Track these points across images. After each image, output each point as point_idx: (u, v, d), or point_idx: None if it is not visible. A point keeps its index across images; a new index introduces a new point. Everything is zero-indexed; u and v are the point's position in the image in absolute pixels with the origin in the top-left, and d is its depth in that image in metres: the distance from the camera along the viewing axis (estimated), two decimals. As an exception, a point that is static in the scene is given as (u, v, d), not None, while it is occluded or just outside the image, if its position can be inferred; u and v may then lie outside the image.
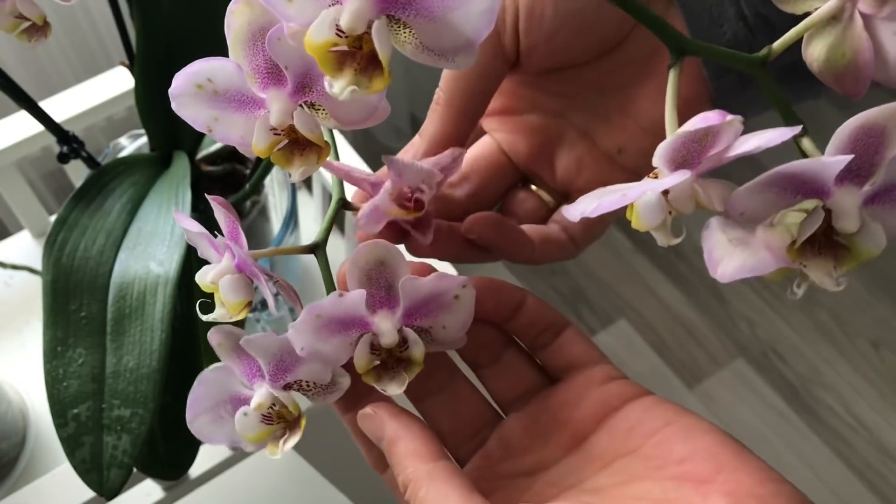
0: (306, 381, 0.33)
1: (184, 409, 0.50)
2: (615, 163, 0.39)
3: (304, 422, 0.33)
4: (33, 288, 0.77)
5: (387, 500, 0.93)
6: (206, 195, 0.32)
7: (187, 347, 0.49)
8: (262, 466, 0.96)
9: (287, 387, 0.33)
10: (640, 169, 0.39)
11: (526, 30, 0.36)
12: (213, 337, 0.33)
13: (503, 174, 0.42)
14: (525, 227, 0.38)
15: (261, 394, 0.32)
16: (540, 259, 0.38)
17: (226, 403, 0.34)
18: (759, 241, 0.25)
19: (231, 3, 0.27)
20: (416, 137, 0.38)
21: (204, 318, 0.32)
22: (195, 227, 0.32)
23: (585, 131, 0.40)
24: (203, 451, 0.52)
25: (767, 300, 1.54)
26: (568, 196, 0.41)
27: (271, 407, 0.32)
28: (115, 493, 0.45)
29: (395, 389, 0.32)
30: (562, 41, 0.36)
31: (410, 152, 0.38)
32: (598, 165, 0.40)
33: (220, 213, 0.32)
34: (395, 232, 0.35)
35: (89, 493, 0.52)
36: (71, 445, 0.44)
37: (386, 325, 0.32)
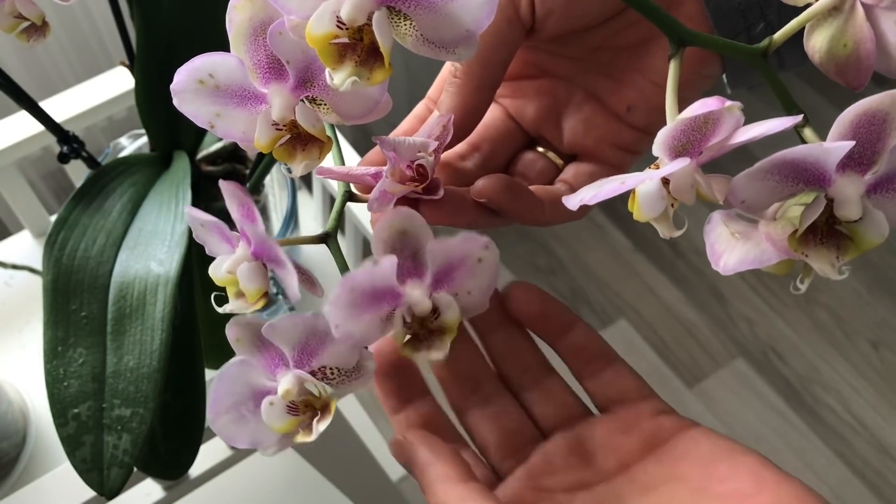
0: (331, 368, 0.32)
1: (184, 408, 0.50)
2: (623, 122, 0.39)
3: (333, 405, 0.32)
4: (33, 288, 0.77)
5: (387, 501, 0.93)
6: (220, 181, 0.32)
7: (188, 347, 0.49)
8: (263, 466, 0.96)
9: (311, 374, 0.32)
10: (649, 126, 0.39)
11: None
12: (230, 332, 0.32)
13: (512, 140, 0.42)
14: (533, 188, 0.38)
15: (287, 380, 0.31)
16: (550, 220, 0.38)
17: (247, 400, 0.33)
18: (762, 234, 0.25)
19: (232, -2, 0.27)
20: (434, 115, 0.37)
21: (220, 310, 0.32)
22: (207, 217, 0.31)
23: (593, 92, 0.40)
24: (203, 450, 0.52)
25: (767, 300, 1.54)
26: (576, 157, 0.41)
27: (297, 395, 0.32)
28: (115, 493, 0.45)
29: (438, 355, 0.32)
30: (578, 5, 0.36)
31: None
32: (607, 125, 0.40)
33: (234, 199, 0.31)
34: (406, 205, 0.35)
35: (89, 493, 0.52)
36: (71, 445, 0.44)
37: (417, 294, 0.31)
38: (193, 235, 0.34)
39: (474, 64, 0.36)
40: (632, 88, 0.39)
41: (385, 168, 0.32)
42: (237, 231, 0.32)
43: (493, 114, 0.41)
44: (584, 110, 0.40)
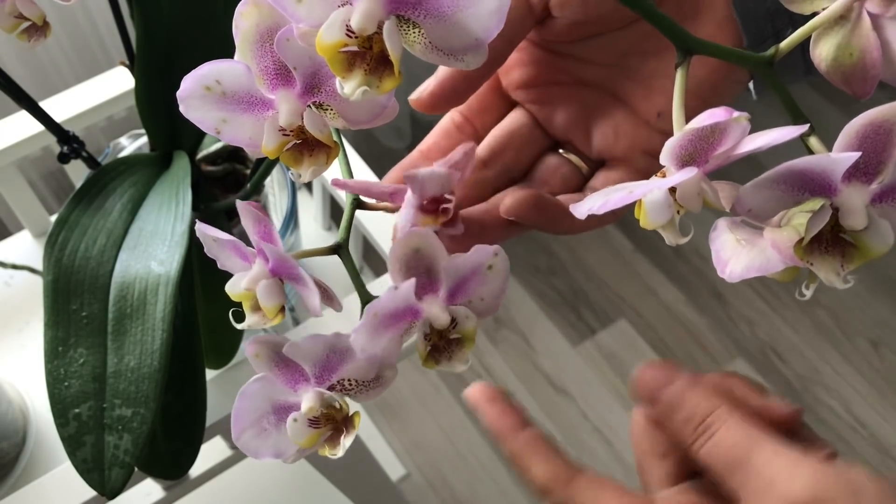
0: (349, 380, 0.33)
1: (184, 408, 0.50)
2: (654, 128, 0.39)
3: (358, 418, 0.33)
4: (34, 288, 0.77)
5: (387, 501, 0.93)
6: (237, 202, 0.32)
7: (188, 347, 0.49)
8: (263, 466, 0.96)
9: (330, 388, 0.33)
10: None
11: None
12: (249, 348, 0.33)
13: (535, 147, 0.41)
14: (561, 198, 0.38)
15: (309, 397, 0.32)
16: (579, 229, 0.37)
17: (269, 414, 0.33)
18: (767, 241, 0.25)
19: (240, 4, 0.27)
20: (432, 79, 0.37)
21: (238, 326, 0.32)
22: (221, 234, 0.32)
23: (622, 98, 0.40)
24: (203, 450, 0.52)
25: (767, 300, 1.54)
26: (604, 164, 0.41)
27: (319, 411, 0.32)
28: (116, 493, 0.45)
29: (460, 367, 0.32)
30: None
31: (431, 85, 0.37)
32: (637, 132, 0.39)
33: (250, 218, 0.32)
34: None
35: (89, 493, 0.52)
36: (72, 445, 0.44)
37: (435, 310, 0.32)
38: (205, 250, 0.34)
39: None
40: (662, 95, 0.38)
41: (407, 198, 0.32)
42: (252, 246, 0.32)
43: (518, 121, 0.41)
44: (615, 117, 0.40)
